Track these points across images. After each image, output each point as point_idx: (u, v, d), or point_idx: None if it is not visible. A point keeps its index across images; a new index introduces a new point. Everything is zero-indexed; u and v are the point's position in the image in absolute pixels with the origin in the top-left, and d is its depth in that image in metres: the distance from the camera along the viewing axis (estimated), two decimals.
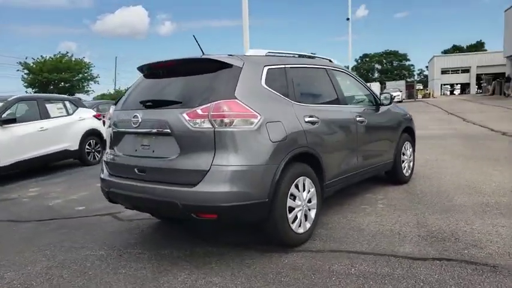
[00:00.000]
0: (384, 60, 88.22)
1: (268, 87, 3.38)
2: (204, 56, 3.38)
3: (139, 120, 3.28)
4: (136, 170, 3.34)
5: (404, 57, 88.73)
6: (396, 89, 42.55)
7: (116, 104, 3.85)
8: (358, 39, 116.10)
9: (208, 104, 2.99)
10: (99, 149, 9.62)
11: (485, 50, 65.82)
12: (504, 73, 46.46)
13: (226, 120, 2.94)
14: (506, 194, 4.77)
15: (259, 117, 3.07)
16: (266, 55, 3.70)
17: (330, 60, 4.62)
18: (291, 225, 3.33)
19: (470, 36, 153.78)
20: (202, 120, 2.97)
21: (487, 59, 50.67)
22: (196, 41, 3.76)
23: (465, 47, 78.55)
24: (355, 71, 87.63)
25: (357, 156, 4.36)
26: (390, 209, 4.39)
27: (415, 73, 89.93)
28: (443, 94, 57.75)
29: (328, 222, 4.03)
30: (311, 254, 3.31)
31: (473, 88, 53.58)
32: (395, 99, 38.47)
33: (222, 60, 3.23)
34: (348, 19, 30.31)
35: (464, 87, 59.86)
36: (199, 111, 3.00)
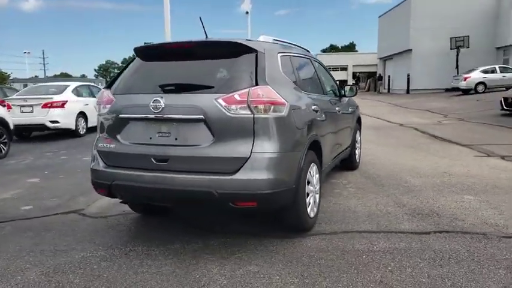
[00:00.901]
0: None
1: (284, 75, 3.40)
2: (227, 39, 3.24)
3: (162, 106, 3.01)
4: (153, 160, 3.07)
5: None
6: None
7: (108, 87, 3.45)
8: (242, 34, 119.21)
9: (246, 90, 2.90)
10: (5, 140, 8.32)
11: (356, 51, 73.71)
12: (376, 72, 53.03)
13: (264, 106, 2.90)
14: (444, 175, 5.56)
15: (287, 104, 3.09)
16: (273, 42, 3.71)
17: (308, 51, 4.79)
18: (307, 210, 3.43)
19: (345, 37, 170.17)
20: (240, 106, 2.88)
21: (362, 59, 56.64)
22: (202, 24, 3.58)
23: (340, 47, 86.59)
24: None
25: (336, 143, 4.65)
26: (363, 192, 4.78)
27: None
28: None
29: (321, 207, 4.22)
30: (327, 236, 3.47)
31: None
32: None
33: (248, 45, 3.16)
34: (247, 12, 30.94)
35: (342, 84, 66.17)
36: (237, 96, 2.89)
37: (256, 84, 2.96)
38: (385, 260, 2.98)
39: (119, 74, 3.52)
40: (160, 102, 3.01)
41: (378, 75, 40.83)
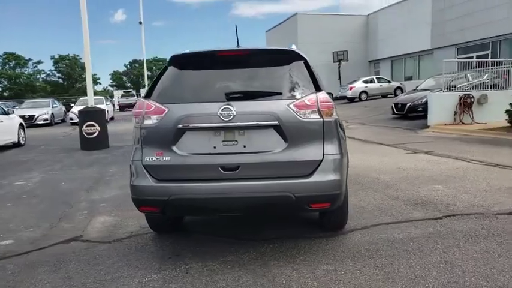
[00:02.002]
0: (154, 67, 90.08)
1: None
2: (279, 48, 3.30)
3: (234, 113, 2.93)
4: (221, 169, 2.97)
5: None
6: None
7: (147, 97, 3.20)
8: (120, 44, 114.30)
9: (313, 95, 3.03)
10: None
11: None
12: None
13: (328, 110, 3.06)
14: (401, 171, 6.32)
15: (335, 108, 3.29)
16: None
17: None
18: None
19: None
20: (310, 110, 2.99)
21: None
22: (236, 32, 3.58)
23: None
24: (126, 77, 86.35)
25: None
26: (352, 191, 5.17)
27: None
28: None
29: None
30: (362, 231, 3.74)
31: None
32: None
33: (298, 52, 3.28)
34: (140, 23, 30.03)
35: None
36: (307, 101, 3.00)
37: (317, 89, 3.10)
38: (430, 243, 3.37)
39: (155, 83, 3.30)
40: (231, 110, 2.94)
41: None
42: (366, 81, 26.13)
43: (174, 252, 3.46)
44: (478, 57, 22.82)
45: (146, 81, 32.29)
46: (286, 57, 3.26)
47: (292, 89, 3.10)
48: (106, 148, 10.84)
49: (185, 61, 3.34)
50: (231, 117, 2.95)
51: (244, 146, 3.00)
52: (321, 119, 3.01)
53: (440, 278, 2.76)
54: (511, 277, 2.73)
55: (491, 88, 13.69)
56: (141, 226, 4.15)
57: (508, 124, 11.68)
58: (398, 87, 25.87)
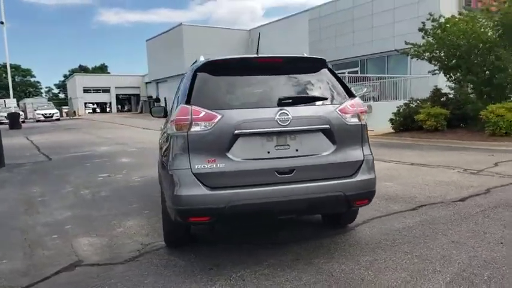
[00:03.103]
0: (4, 74, 79.19)
1: None
2: (310, 56, 3.48)
3: (290, 118, 3.01)
4: (276, 173, 3.02)
5: (28, 72, 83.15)
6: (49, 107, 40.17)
7: (188, 103, 3.07)
8: None
9: (352, 100, 3.31)
10: None
11: (109, 73, 72.81)
12: (139, 94, 54.12)
13: (363, 114, 3.38)
14: None
15: None
16: None
17: None
18: None
19: (95, 58, 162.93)
20: (351, 115, 3.26)
21: (125, 81, 56.29)
22: (258, 40, 3.66)
23: (91, 68, 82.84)
24: None
25: None
26: None
27: (42, 90, 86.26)
28: (89, 112, 59.11)
29: None
30: (365, 224, 4.14)
31: (115, 107, 58.02)
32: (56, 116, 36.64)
33: (325, 59, 3.52)
34: (2, 23, 26.21)
35: (103, 106, 63.51)
36: (349, 106, 3.25)
37: (350, 95, 3.39)
38: (428, 229, 3.93)
39: (191, 88, 3.17)
40: (288, 115, 3.03)
41: (155, 97, 41.57)
42: None
43: (210, 263, 3.33)
44: (349, 73, 26.03)
45: (11, 90, 28.24)
46: (316, 64, 3.47)
47: (332, 95, 3.33)
48: (2, 167, 9.29)
49: (221, 67, 3.31)
50: (288, 122, 3.04)
51: (297, 150, 3.11)
52: (360, 123, 3.31)
53: (461, 255, 3.28)
54: (507, 246, 3.40)
55: (372, 100, 15.89)
56: (142, 243, 3.87)
57: (392, 130, 13.72)
58: None
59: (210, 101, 3.09)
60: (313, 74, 3.42)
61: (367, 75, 22.07)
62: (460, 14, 12.49)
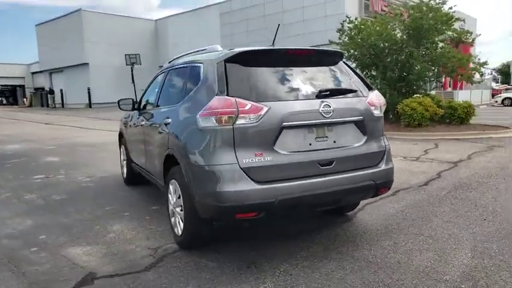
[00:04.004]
0: None
1: None
2: (332, 49, 3.51)
3: (332, 110, 3.04)
4: (319, 165, 3.04)
5: None
6: None
7: (227, 95, 2.91)
8: None
9: (375, 93, 3.46)
10: None
11: None
12: (23, 85, 48.62)
13: (383, 107, 3.55)
14: None
15: None
16: None
17: None
18: None
19: None
20: (375, 107, 3.41)
21: (5, 71, 49.80)
22: (276, 32, 3.60)
23: None
24: None
25: None
26: None
27: None
28: None
29: None
30: (363, 211, 4.36)
31: None
32: None
33: (343, 53, 3.62)
34: None
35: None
36: (374, 99, 3.40)
37: (370, 88, 3.54)
38: (419, 211, 4.31)
39: (225, 79, 3.00)
40: (330, 107, 3.05)
41: (48, 89, 37.42)
42: None
43: (243, 261, 3.22)
44: None
45: None
46: (336, 58, 3.54)
47: (358, 87, 3.43)
48: None
49: (254, 58, 3.19)
50: (330, 113, 3.07)
51: (334, 142, 3.16)
52: (381, 114, 3.48)
53: (462, 232, 3.69)
54: (492, 222, 3.91)
55: None
56: (149, 247, 3.57)
57: None
58: None
59: (249, 93, 2.97)
60: (334, 66, 3.49)
61: None
62: (375, 17, 13.69)
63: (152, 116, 4.40)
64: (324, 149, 3.12)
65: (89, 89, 30.06)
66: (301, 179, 2.98)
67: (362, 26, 12.67)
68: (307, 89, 3.19)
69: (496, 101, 27.21)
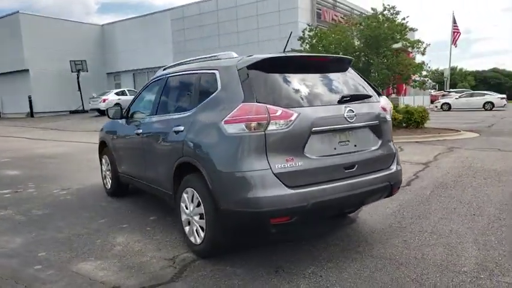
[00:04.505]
0: None
1: None
2: (342, 56, 3.64)
3: (355, 115, 3.16)
4: (343, 169, 3.15)
5: None
6: None
7: (256, 101, 2.95)
8: None
9: (383, 98, 3.64)
10: None
11: None
12: None
13: (391, 112, 3.75)
14: None
15: None
16: None
17: None
18: None
19: None
20: (386, 112, 3.59)
21: None
22: (289, 38, 3.70)
23: None
24: None
25: None
26: None
27: None
28: None
29: None
30: (365, 209, 4.55)
31: None
32: None
33: (352, 59, 3.77)
34: None
35: None
36: (385, 104, 3.58)
37: (378, 93, 3.72)
38: (416, 209, 4.57)
39: (249, 86, 3.03)
40: (353, 112, 3.17)
41: None
42: (118, 93, 25.63)
43: (269, 266, 3.24)
44: None
45: None
46: (346, 64, 3.68)
47: (371, 93, 3.60)
48: None
49: (276, 64, 3.24)
50: (354, 118, 3.20)
51: (355, 145, 3.30)
52: (390, 119, 3.67)
53: (460, 227, 3.97)
54: (483, 216, 4.25)
55: None
56: (165, 258, 3.50)
57: None
58: None
59: (276, 99, 3.03)
60: (345, 72, 3.63)
61: None
62: (336, 26, 14.26)
63: (151, 124, 4.29)
64: (347, 153, 3.24)
65: (30, 97, 28.19)
66: (329, 182, 3.07)
67: (323, 35, 13.14)
68: (328, 94, 3.30)
69: (436, 106, 29.20)
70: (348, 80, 3.57)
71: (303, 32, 14.14)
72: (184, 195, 3.56)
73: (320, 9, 24.05)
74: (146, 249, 3.72)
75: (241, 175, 2.91)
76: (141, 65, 30.49)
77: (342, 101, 3.26)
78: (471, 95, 30.16)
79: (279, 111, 2.94)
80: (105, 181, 5.85)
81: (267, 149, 2.90)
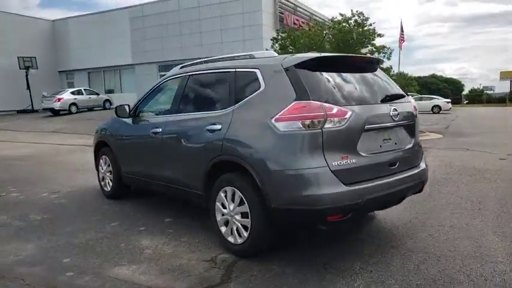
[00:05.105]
0: None
1: None
2: (374, 57, 3.73)
3: (398, 114, 3.26)
4: (388, 165, 3.25)
5: None
6: None
7: (307, 99, 2.98)
8: None
9: (411, 98, 3.79)
10: None
11: None
12: None
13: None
14: None
15: None
16: None
17: None
18: None
19: None
20: (416, 111, 3.74)
21: None
22: (323, 39, 3.73)
23: None
24: None
25: None
26: None
27: None
28: None
29: None
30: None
31: None
32: None
33: (383, 60, 3.90)
34: None
35: None
36: (415, 104, 3.72)
37: (407, 94, 3.86)
38: (422, 206, 4.79)
39: (300, 84, 3.05)
40: (397, 111, 3.28)
41: None
42: (73, 93, 24.45)
43: (315, 263, 3.25)
44: None
45: None
46: (376, 65, 3.78)
47: (399, 92, 3.73)
48: None
49: (323, 63, 3.27)
50: (397, 117, 3.31)
51: (395, 143, 3.40)
52: (417, 118, 3.82)
53: (474, 221, 4.22)
54: (490, 209, 4.55)
55: None
56: (204, 260, 3.42)
57: None
58: (107, 100, 25.78)
59: (328, 97, 3.06)
60: (376, 72, 3.72)
61: None
62: (309, 29, 14.57)
63: (174, 123, 4.14)
64: (390, 151, 3.34)
65: None
66: (377, 179, 3.15)
67: (296, 37, 13.39)
68: (371, 93, 3.39)
69: None
70: (381, 80, 3.67)
71: (276, 32, 14.31)
72: (222, 194, 3.49)
73: (282, 13, 24.40)
74: (178, 251, 3.60)
75: (297, 173, 2.91)
76: (97, 64, 29.28)
77: (385, 100, 3.36)
78: (420, 99, 31.98)
79: (335, 109, 2.97)
80: (103, 182, 5.56)
81: (323, 147, 2.92)
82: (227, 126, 3.43)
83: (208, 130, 3.60)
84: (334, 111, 2.97)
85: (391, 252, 3.46)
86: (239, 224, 3.36)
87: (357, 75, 3.47)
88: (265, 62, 3.46)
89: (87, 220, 4.57)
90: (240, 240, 3.37)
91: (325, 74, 3.23)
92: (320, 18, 28.16)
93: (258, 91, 3.32)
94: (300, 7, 26.78)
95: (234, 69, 3.66)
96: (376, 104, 3.31)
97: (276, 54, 3.56)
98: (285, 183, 2.98)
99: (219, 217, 3.56)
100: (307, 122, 2.91)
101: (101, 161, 5.55)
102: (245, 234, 3.31)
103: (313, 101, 2.96)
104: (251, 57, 3.71)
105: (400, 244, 3.63)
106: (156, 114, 4.70)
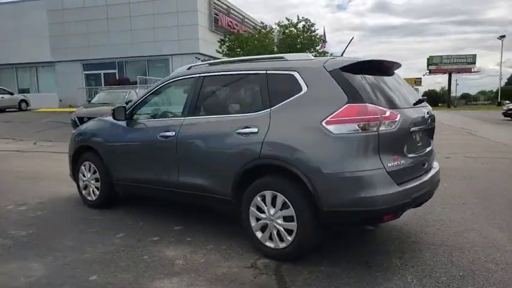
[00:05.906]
0: None
1: None
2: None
3: (429, 117, 3.48)
4: (422, 165, 3.47)
5: None
6: None
7: (361, 102, 3.06)
8: None
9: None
10: None
11: None
12: None
13: None
14: None
15: None
16: None
17: None
18: None
19: None
20: (434, 115, 3.99)
21: None
22: (349, 42, 3.86)
23: None
24: None
25: None
26: None
27: None
28: None
29: None
30: None
31: None
32: None
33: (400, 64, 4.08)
34: None
35: None
36: (431, 108, 3.99)
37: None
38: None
39: (350, 86, 3.12)
40: (429, 114, 3.50)
41: None
42: None
43: (355, 262, 3.34)
44: (105, 74, 24.83)
45: None
46: (396, 69, 3.97)
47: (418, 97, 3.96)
48: None
49: (359, 67, 3.31)
50: (429, 120, 3.53)
51: (423, 145, 3.62)
52: None
53: (478, 221, 4.65)
54: (484, 204, 5.04)
55: None
56: (244, 266, 3.32)
57: None
58: (23, 100, 23.39)
59: (378, 100, 3.16)
60: (395, 76, 3.89)
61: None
62: (259, 32, 14.69)
63: (194, 126, 3.88)
64: (421, 152, 3.55)
65: None
66: (417, 178, 3.35)
67: (244, 40, 13.47)
68: (405, 97, 3.56)
69: None
70: (404, 84, 3.87)
71: (225, 35, 14.25)
72: (258, 199, 3.41)
73: (217, 15, 24.27)
74: (212, 259, 3.44)
75: (354, 175, 2.96)
76: (9, 60, 26.40)
77: (417, 103, 3.57)
78: None
79: (388, 112, 3.08)
80: (85, 191, 5.05)
81: (379, 149, 3.02)
82: (265, 129, 3.36)
83: (239, 133, 3.48)
84: (387, 114, 3.08)
85: (414, 248, 3.65)
86: (281, 228, 3.31)
87: (389, 78, 3.63)
88: (304, 64, 3.45)
89: (83, 232, 4.14)
90: (282, 245, 3.32)
91: (368, 77, 3.32)
92: (251, 21, 28.60)
93: (300, 93, 3.30)
94: (233, 9, 26.89)
95: (264, 71, 3.59)
96: (414, 107, 3.50)
97: (312, 57, 3.58)
98: (341, 186, 3.01)
99: (253, 222, 3.47)
100: (364, 124, 2.98)
101: (83, 167, 5.03)
102: (289, 238, 3.27)
103: (369, 104, 3.04)
104: (283, 59, 3.67)
105: (419, 239, 3.86)
106: (163, 117, 4.41)
